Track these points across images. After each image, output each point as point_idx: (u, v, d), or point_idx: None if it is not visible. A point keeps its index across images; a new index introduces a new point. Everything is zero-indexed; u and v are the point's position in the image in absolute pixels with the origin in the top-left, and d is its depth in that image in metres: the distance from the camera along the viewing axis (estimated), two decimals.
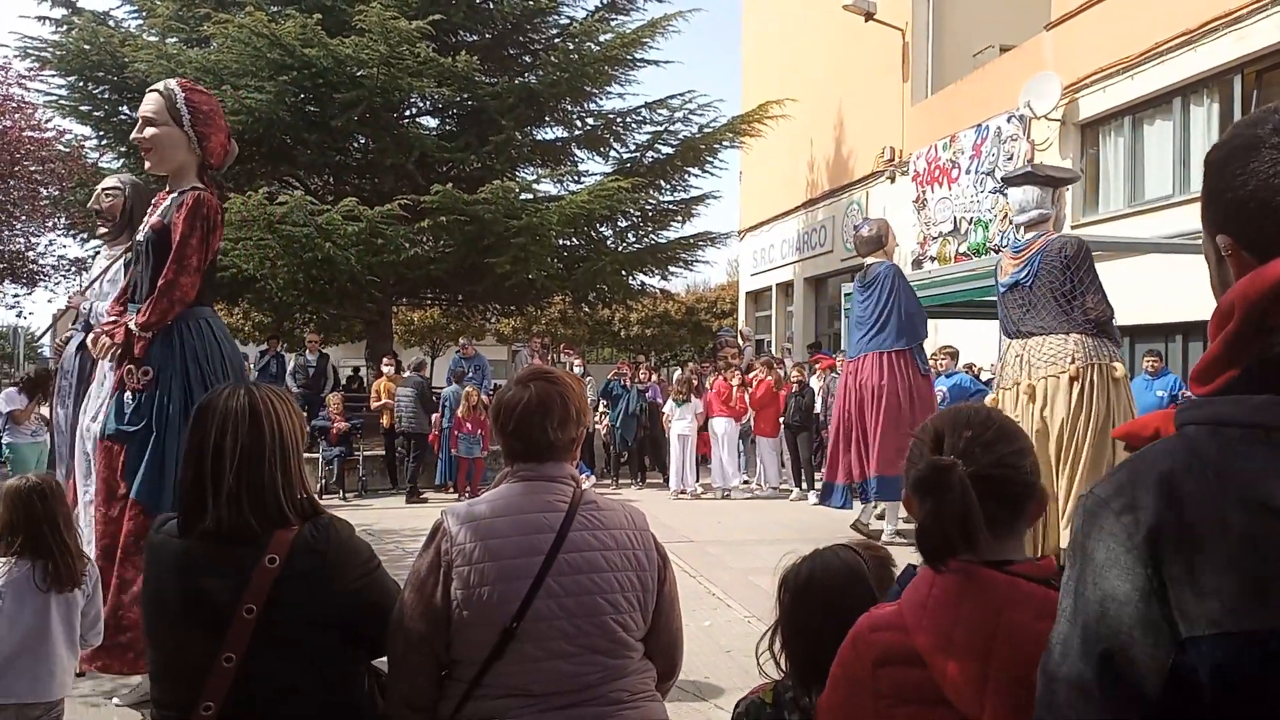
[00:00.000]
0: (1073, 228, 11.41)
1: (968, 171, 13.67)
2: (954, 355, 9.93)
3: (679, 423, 11.22)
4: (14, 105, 12.11)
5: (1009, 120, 12.81)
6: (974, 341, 11.65)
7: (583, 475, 9.95)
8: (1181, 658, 0.85)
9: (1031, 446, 1.51)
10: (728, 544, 7.91)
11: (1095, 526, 0.93)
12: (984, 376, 10.41)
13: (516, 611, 1.81)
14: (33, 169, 11.95)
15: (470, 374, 12.86)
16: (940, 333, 13.31)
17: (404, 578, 1.95)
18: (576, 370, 12.91)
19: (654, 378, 13.87)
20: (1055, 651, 0.95)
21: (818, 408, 11.09)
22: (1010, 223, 5.70)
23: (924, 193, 14.73)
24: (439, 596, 1.84)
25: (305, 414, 14.21)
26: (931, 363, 11.13)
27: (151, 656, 1.89)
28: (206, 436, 1.82)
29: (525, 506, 1.92)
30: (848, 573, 1.84)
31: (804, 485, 10.73)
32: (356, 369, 15.84)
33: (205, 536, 1.79)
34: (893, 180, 15.85)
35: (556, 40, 15.36)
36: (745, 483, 11.70)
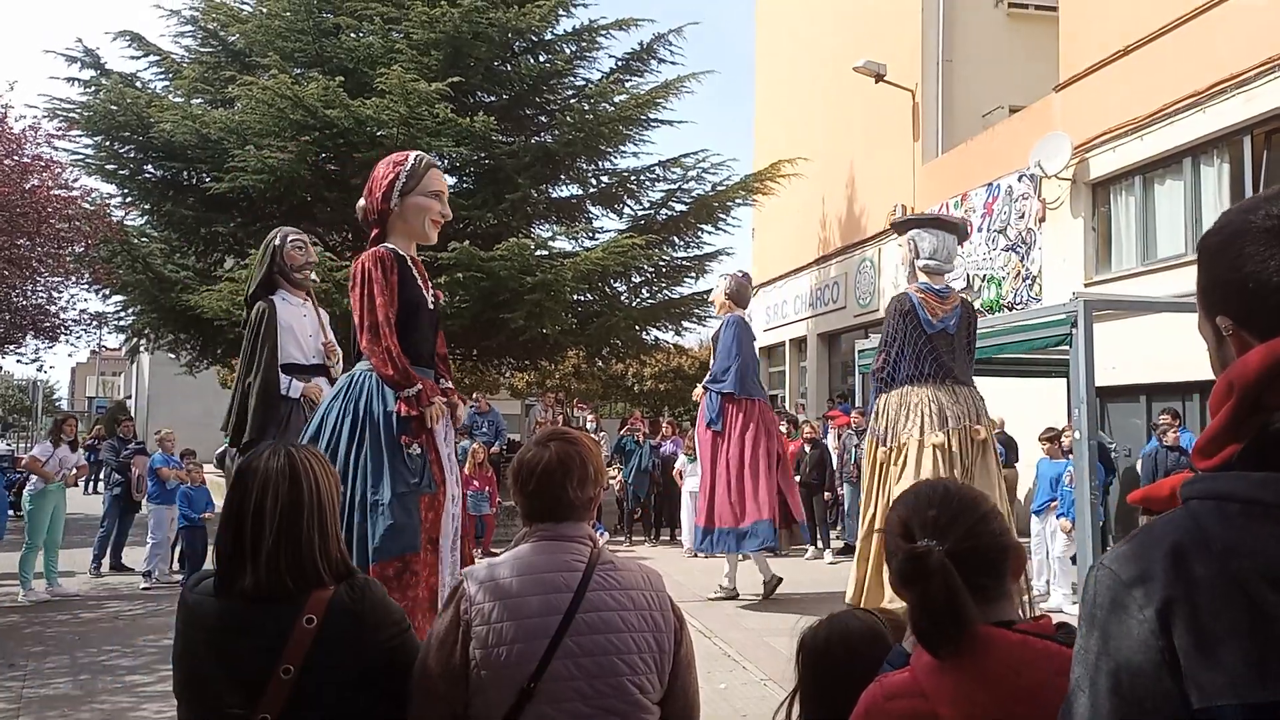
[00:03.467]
0: (1085, 286, 11.45)
1: (979, 229, 13.75)
2: None
3: (692, 479, 11.17)
4: (42, 164, 12.37)
5: (1020, 179, 12.92)
6: (987, 397, 11.60)
7: (597, 533, 9.90)
8: None
9: (994, 507, 1.53)
10: (743, 604, 7.82)
11: (1108, 598, 0.95)
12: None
13: (534, 672, 1.82)
14: (59, 226, 12.16)
15: (484, 429, 12.89)
16: None
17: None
18: (589, 426, 12.92)
19: (674, 432, 13.86)
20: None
21: (834, 464, 11.03)
22: (916, 269, 5.50)
23: None
24: (457, 656, 1.84)
25: None
26: None
27: (184, 715, 1.88)
28: (248, 497, 1.83)
29: (543, 566, 1.93)
30: (867, 636, 1.82)
31: (819, 544, 10.63)
32: None
33: (241, 597, 1.80)
34: None
35: (572, 101, 15.66)
36: None
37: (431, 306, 4.01)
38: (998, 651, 1.37)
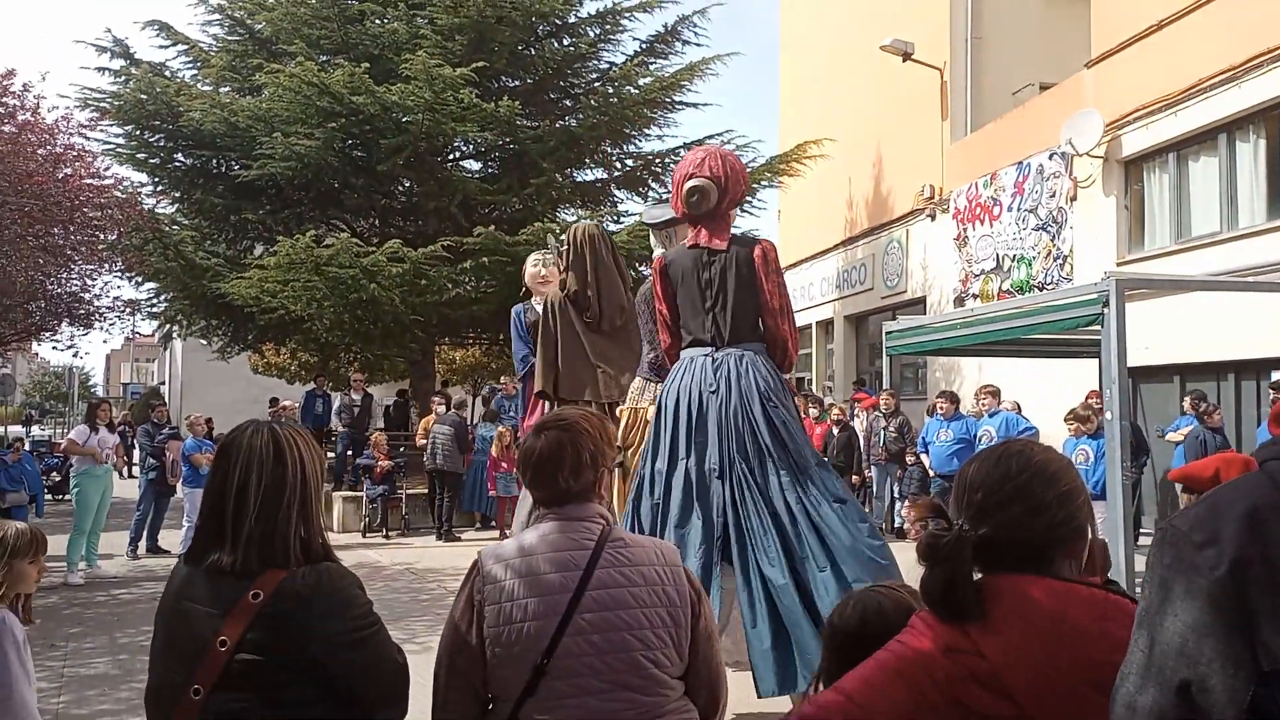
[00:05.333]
0: (1117, 265, 11.28)
1: (1009, 209, 13.58)
2: (995, 394, 9.79)
3: None
4: (75, 154, 12.53)
5: (1050, 157, 12.73)
6: (1017, 380, 11.49)
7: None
8: (1263, 690, 0.85)
9: (1064, 491, 1.44)
10: None
11: (1175, 558, 0.95)
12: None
13: (546, 649, 1.85)
14: (91, 215, 12.32)
15: (511, 412, 12.95)
16: (984, 371, 13.15)
17: (444, 615, 1.97)
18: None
19: None
20: (1131, 681, 0.96)
21: (862, 447, 10.99)
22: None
23: (965, 230, 14.65)
24: (474, 635, 1.88)
25: (350, 453, 14.31)
26: (975, 403, 11.03)
27: (149, 681, 1.89)
28: (230, 474, 1.80)
29: (554, 545, 1.95)
30: (898, 612, 1.82)
31: None
32: (395, 403, 15.98)
33: (210, 569, 1.78)
34: (933, 218, 15.79)
35: (596, 84, 15.61)
36: None
37: None
38: (1040, 599, 1.36)
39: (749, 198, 15.57)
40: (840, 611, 1.88)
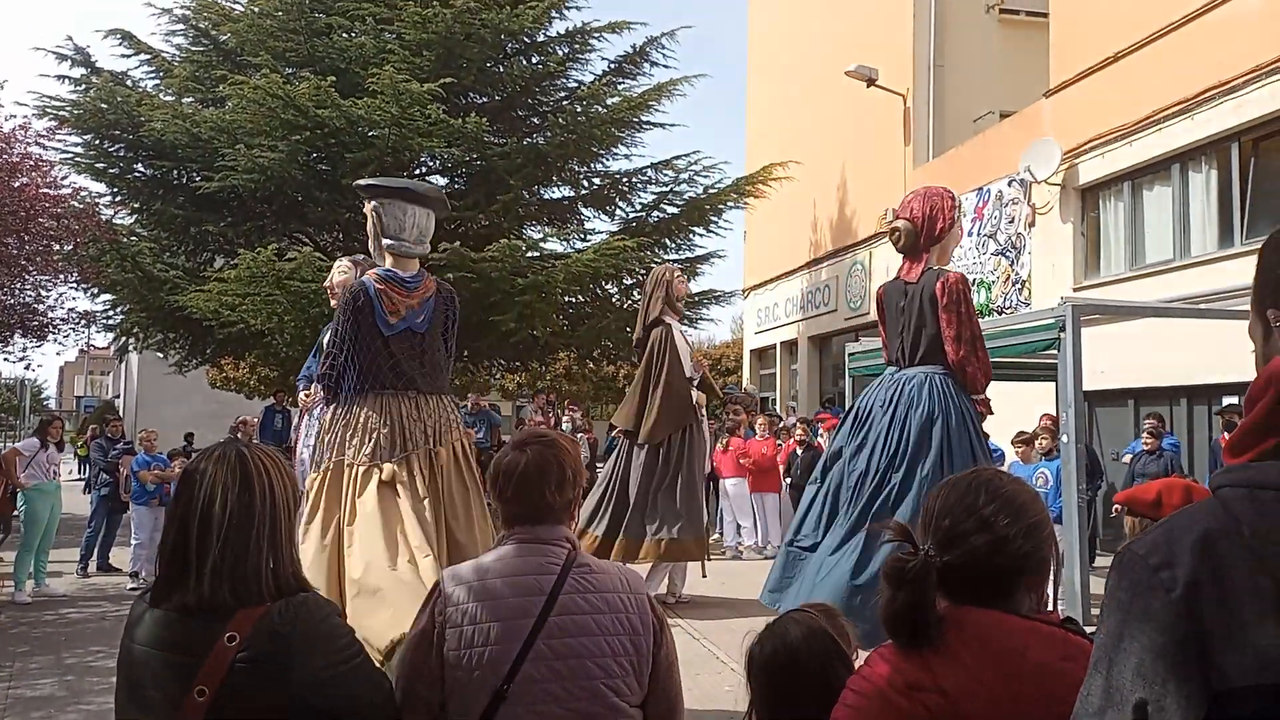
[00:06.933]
0: (1074, 290, 11.50)
1: (970, 234, 13.80)
2: None
3: None
4: (31, 164, 12.30)
5: (1010, 184, 12.98)
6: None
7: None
8: (1216, 708, 0.88)
9: (1031, 523, 1.46)
10: (731, 605, 7.83)
11: (1132, 582, 0.97)
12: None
13: (507, 674, 1.82)
14: (47, 225, 12.09)
15: (479, 429, 12.90)
16: None
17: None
18: (565, 426, 12.91)
19: None
20: (1092, 702, 0.98)
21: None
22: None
23: None
24: (433, 657, 1.85)
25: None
26: None
27: None
28: (194, 502, 1.67)
29: (520, 569, 1.93)
30: (811, 635, 1.83)
31: None
32: None
33: (179, 609, 1.65)
34: None
35: (565, 103, 15.67)
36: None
37: None
38: (1003, 634, 1.38)
39: (713, 217, 15.73)
40: (757, 641, 1.90)
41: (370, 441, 3.87)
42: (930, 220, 4.59)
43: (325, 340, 4.59)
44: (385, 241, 4.14)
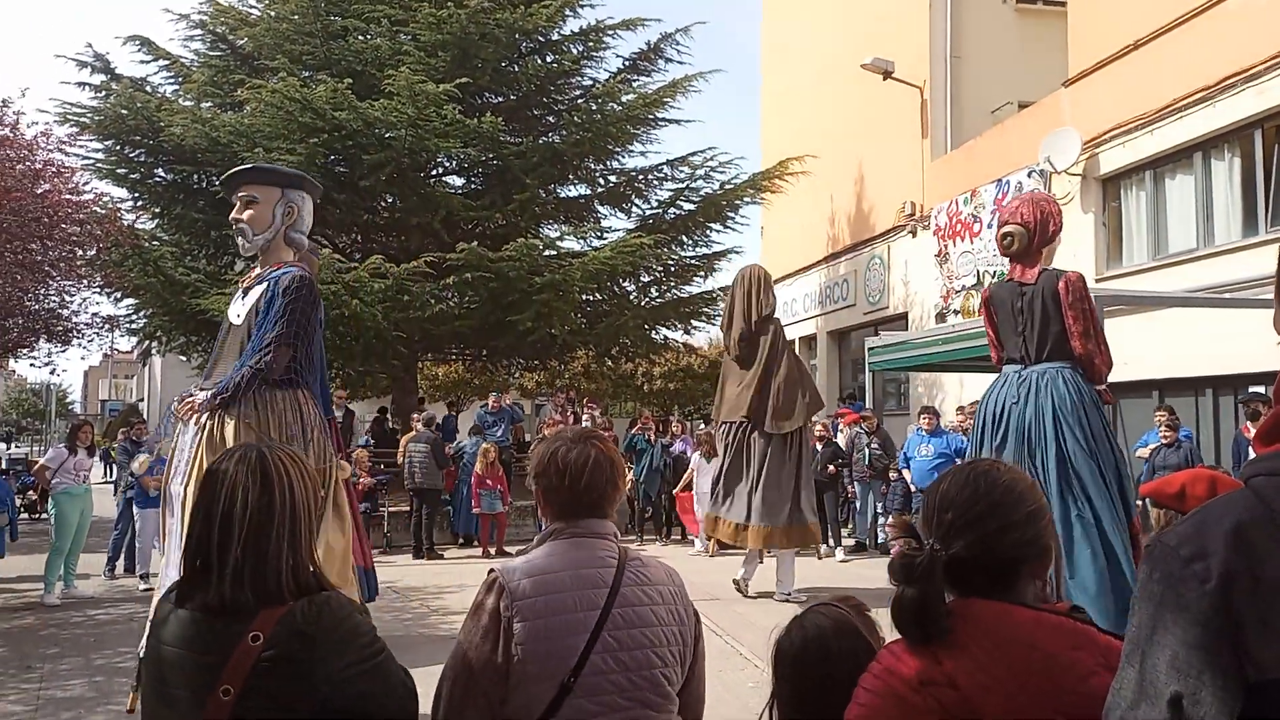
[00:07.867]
0: (1096, 281, 11.40)
1: (989, 225, 13.71)
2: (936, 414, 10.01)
3: (705, 478, 11.15)
4: (54, 170, 12.43)
5: (1029, 175, 12.87)
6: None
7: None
8: (1252, 701, 0.87)
9: (1030, 511, 1.48)
10: (753, 602, 7.82)
11: (1164, 574, 0.97)
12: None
13: (574, 666, 1.85)
14: (70, 230, 12.21)
15: (499, 427, 12.93)
16: (965, 387, 13.24)
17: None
18: (585, 423, 12.94)
19: (684, 431, 13.88)
20: (1126, 695, 0.97)
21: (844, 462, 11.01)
22: (290, 238, 4.43)
23: (946, 246, 14.77)
24: (499, 653, 1.85)
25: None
26: (955, 418, 11.08)
27: None
28: (215, 502, 1.70)
29: (581, 562, 1.96)
30: (839, 632, 1.83)
31: (831, 542, 10.62)
32: (374, 419, 15.90)
33: (202, 608, 1.68)
34: (914, 234, 15.92)
35: (580, 101, 15.68)
36: None
37: None
38: (1011, 625, 1.38)
39: (730, 213, 15.70)
40: (785, 634, 1.89)
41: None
42: (1042, 224, 4.87)
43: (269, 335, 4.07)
44: (294, 235, 4.14)
